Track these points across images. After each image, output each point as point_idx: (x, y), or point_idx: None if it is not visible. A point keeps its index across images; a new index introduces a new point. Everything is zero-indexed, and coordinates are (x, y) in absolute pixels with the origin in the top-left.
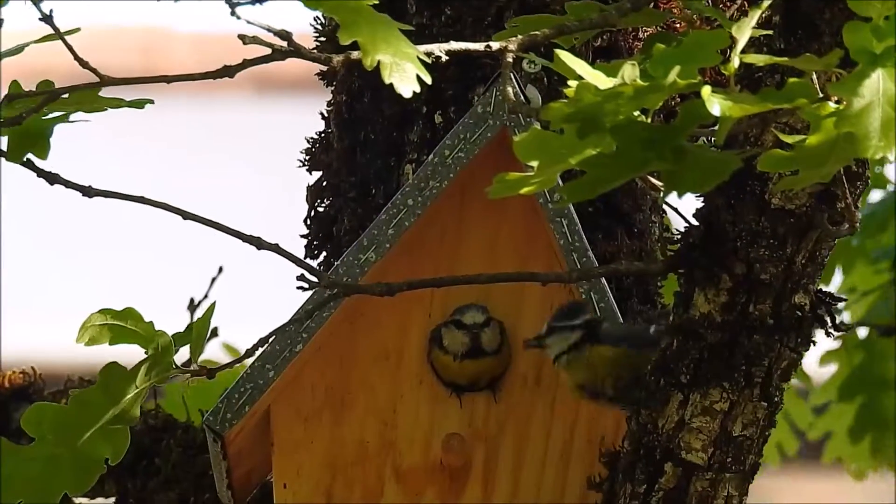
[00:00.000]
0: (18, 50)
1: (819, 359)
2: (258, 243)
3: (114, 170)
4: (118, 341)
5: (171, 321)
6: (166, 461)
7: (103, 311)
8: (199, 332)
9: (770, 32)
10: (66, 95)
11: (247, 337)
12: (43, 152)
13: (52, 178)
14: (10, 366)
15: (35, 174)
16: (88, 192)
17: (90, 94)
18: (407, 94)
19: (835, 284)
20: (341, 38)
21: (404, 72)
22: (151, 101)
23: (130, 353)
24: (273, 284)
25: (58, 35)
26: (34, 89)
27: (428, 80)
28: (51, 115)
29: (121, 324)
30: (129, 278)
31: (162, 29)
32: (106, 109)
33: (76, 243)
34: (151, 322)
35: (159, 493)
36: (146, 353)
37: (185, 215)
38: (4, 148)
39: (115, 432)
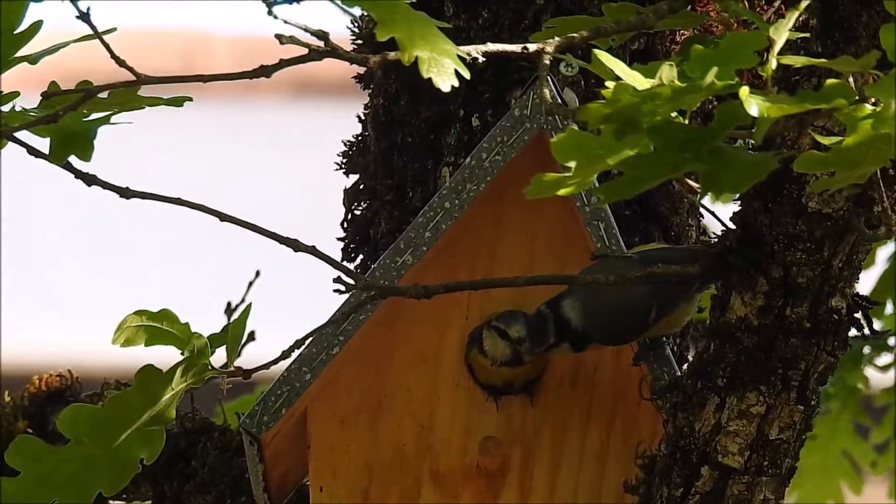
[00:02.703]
0: (54, 49)
1: (875, 397)
2: (295, 245)
3: (150, 171)
4: (154, 342)
5: (208, 326)
6: (203, 464)
7: (139, 313)
8: (235, 334)
9: (807, 35)
10: (104, 95)
11: (283, 341)
12: (86, 154)
13: (90, 180)
14: (45, 368)
15: (73, 175)
16: (126, 193)
17: (129, 93)
18: (445, 88)
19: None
20: (378, 35)
21: (442, 67)
22: (190, 99)
23: (165, 356)
24: (309, 288)
25: (95, 33)
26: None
27: (466, 75)
28: (92, 117)
29: (157, 325)
30: (165, 282)
31: (201, 32)
32: (144, 107)
33: (112, 246)
34: (187, 324)
35: (196, 496)
36: (182, 354)
37: (223, 217)
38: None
39: (150, 433)
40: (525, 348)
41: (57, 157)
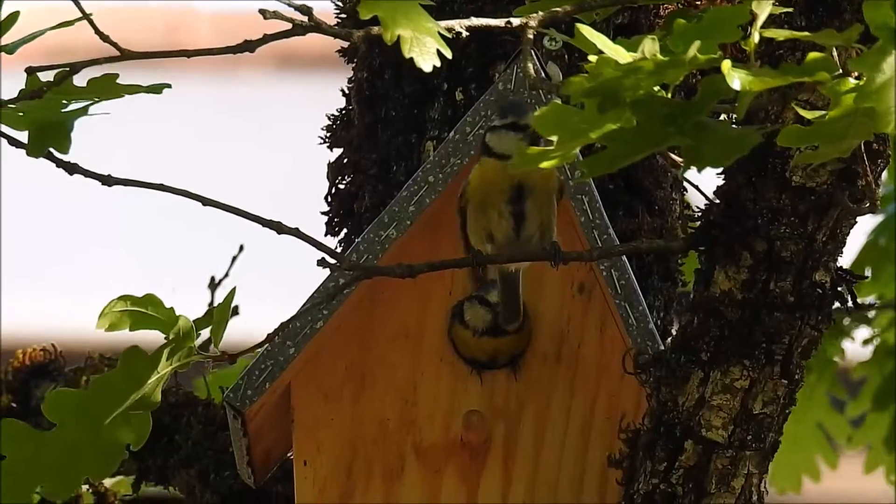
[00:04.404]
0: (32, 38)
1: (852, 370)
2: (278, 228)
3: (135, 145)
4: (139, 327)
5: (193, 298)
6: (186, 438)
7: (123, 298)
8: (219, 317)
9: (791, 10)
10: (83, 84)
11: (267, 310)
12: (64, 146)
13: (72, 168)
14: (31, 342)
15: (55, 165)
16: (108, 181)
17: (108, 81)
18: (427, 68)
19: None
20: (361, 13)
21: (424, 46)
22: (169, 86)
23: (151, 334)
24: (293, 258)
25: (79, 9)
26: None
27: (448, 54)
28: (70, 108)
29: (141, 310)
30: (151, 255)
31: (185, 8)
32: (123, 96)
33: (98, 217)
34: (172, 308)
35: (179, 470)
36: (166, 337)
37: (205, 201)
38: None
39: (136, 418)
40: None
41: (35, 149)
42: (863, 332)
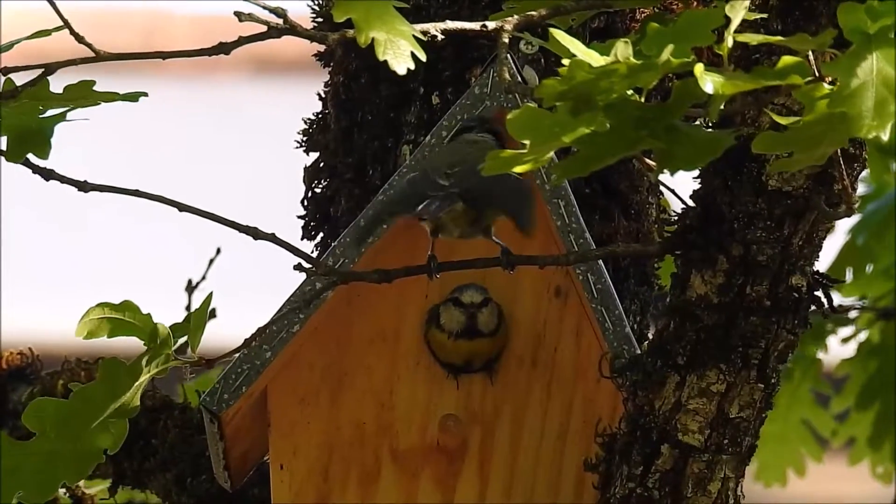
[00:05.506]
0: (9, 46)
1: (835, 367)
2: (255, 233)
3: (111, 149)
4: (117, 334)
5: (170, 300)
6: (163, 442)
7: (101, 305)
8: (196, 323)
9: (765, 15)
10: (59, 91)
11: (244, 312)
12: (43, 152)
13: (48, 174)
14: (8, 345)
15: (31, 171)
16: (84, 186)
17: (84, 88)
18: (401, 71)
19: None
20: (335, 15)
21: (398, 49)
22: (146, 94)
23: (129, 339)
24: (272, 261)
25: (55, 10)
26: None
27: (423, 57)
28: (48, 114)
29: (119, 316)
30: (129, 257)
31: (163, 11)
32: (99, 103)
33: (76, 219)
34: (149, 314)
35: (156, 474)
36: (144, 344)
37: (182, 207)
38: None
39: (114, 424)
40: (479, 314)
41: (14, 155)
42: (846, 329)
